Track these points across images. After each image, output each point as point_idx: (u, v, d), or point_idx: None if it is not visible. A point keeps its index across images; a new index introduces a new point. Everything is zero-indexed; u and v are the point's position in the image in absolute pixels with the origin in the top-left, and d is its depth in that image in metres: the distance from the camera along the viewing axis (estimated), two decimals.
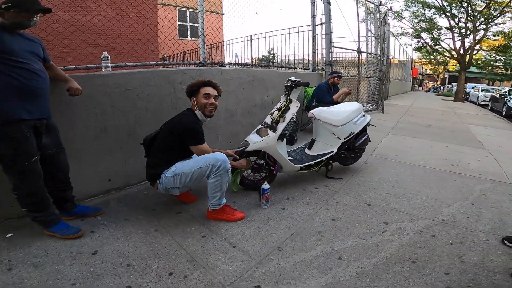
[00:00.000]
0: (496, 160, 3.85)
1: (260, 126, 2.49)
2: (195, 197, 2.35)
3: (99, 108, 2.43)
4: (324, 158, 2.64)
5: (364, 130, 3.00)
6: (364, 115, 2.99)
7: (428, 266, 1.61)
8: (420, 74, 27.21)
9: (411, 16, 15.79)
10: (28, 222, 1.99)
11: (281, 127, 2.35)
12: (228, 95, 3.46)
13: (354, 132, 2.80)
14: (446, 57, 17.27)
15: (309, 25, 5.59)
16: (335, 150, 2.69)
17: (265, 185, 2.21)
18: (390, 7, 11.37)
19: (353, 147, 2.86)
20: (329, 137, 2.71)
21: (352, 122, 2.78)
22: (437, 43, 16.14)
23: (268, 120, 2.46)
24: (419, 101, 12.91)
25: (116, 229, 1.97)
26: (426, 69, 29.63)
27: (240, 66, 4.59)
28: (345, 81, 7.18)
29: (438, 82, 29.60)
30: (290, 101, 2.45)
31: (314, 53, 5.70)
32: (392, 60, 12.76)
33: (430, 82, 30.38)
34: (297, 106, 2.43)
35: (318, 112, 2.73)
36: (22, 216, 2.07)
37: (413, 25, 15.94)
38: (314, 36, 5.70)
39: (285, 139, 2.46)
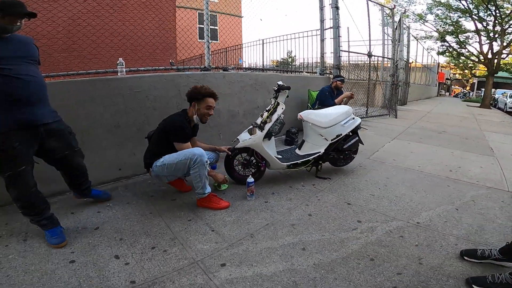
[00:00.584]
0: (501, 168, 3.71)
1: (251, 126, 2.67)
2: (189, 186, 2.56)
3: (113, 107, 2.76)
4: (311, 158, 2.76)
5: (355, 133, 3.07)
6: (353, 118, 3.06)
7: (383, 265, 1.69)
8: (447, 79, 25.74)
9: (436, 19, 15.10)
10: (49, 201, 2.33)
11: (267, 127, 2.51)
12: (231, 97, 3.67)
13: (341, 134, 2.89)
14: (473, 61, 16.31)
15: (318, 30, 5.67)
16: (322, 151, 2.80)
17: (250, 179, 2.39)
18: (405, 10, 10.98)
19: (342, 149, 2.94)
20: (317, 138, 2.82)
21: (339, 124, 2.87)
22: (463, 46, 15.30)
23: (259, 120, 2.64)
24: (441, 107, 12.36)
25: (118, 210, 2.25)
26: (454, 74, 27.99)
27: (243, 70, 4.78)
28: (356, 84, 7.13)
29: (467, 88, 27.76)
30: (278, 104, 2.61)
31: (322, 57, 5.77)
32: (412, 64, 12.31)
33: (458, 87, 28.61)
34: (282, 108, 2.58)
35: (306, 114, 2.85)
36: (46, 196, 2.43)
37: (437, 28, 15.21)
38: (322, 41, 5.78)
39: (273, 138, 2.62)
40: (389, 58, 7.77)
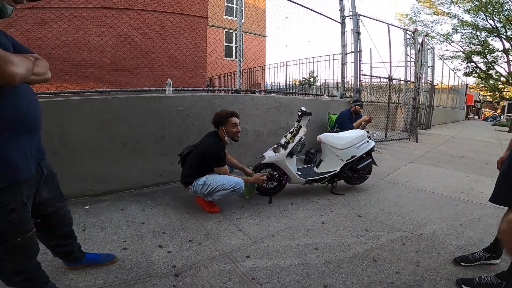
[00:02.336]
0: None
1: (276, 145, 3.09)
2: (217, 208, 2.70)
3: (161, 120, 3.32)
4: (327, 175, 3.10)
5: (368, 155, 3.38)
6: (367, 141, 3.38)
7: (384, 265, 1.98)
8: (477, 101, 24.89)
9: (463, 38, 15.01)
10: (101, 199, 2.87)
11: (290, 146, 2.92)
12: (257, 118, 4.14)
13: (356, 156, 3.22)
14: (501, 83, 15.86)
15: (339, 54, 6.07)
16: (338, 170, 3.14)
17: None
18: (427, 33, 11.15)
19: (356, 169, 3.26)
20: (333, 158, 3.17)
21: (354, 146, 3.21)
22: (491, 67, 15.00)
23: (283, 140, 3.05)
24: (466, 131, 12.13)
25: (159, 210, 2.71)
26: (484, 96, 27.01)
27: (268, 93, 5.27)
28: (376, 107, 7.37)
29: (498, 111, 26.61)
30: (301, 127, 3.02)
31: (342, 81, 6.14)
32: (437, 86, 12.29)
33: (489, 110, 27.44)
34: (304, 131, 2.98)
35: (324, 136, 3.23)
36: (98, 194, 2.97)
37: (464, 49, 15.08)
38: (343, 65, 6.15)
39: (294, 156, 3.02)
40: (409, 81, 7.98)
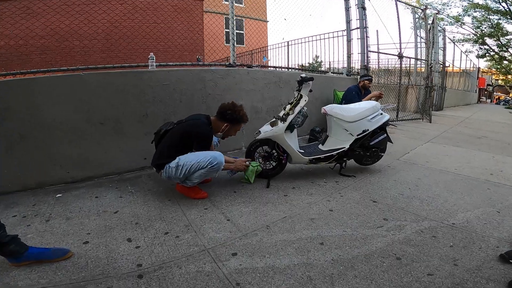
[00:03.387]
0: None
1: (273, 119, 2.55)
2: (205, 193, 2.22)
3: (143, 97, 2.83)
4: (335, 153, 2.56)
5: (382, 130, 2.81)
6: (381, 114, 2.80)
7: (412, 265, 1.46)
8: (489, 85, 23.41)
9: (474, 21, 13.89)
10: (77, 186, 2.42)
11: (289, 118, 2.37)
12: (254, 93, 3.59)
13: (368, 130, 2.65)
14: None
15: (344, 30, 5.44)
16: (347, 146, 2.58)
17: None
18: (438, 10, 10.18)
19: (368, 145, 2.70)
20: (342, 133, 2.61)
21: (366, 119, 2.64)
22: (505, 50, 13.85)
23: (281, 113, 2.50)
24: (480, 113, 11.25)
25: (138, 197, 2.23)
26: (497, 80, 25.41)
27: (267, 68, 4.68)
28: (385, 88, 6.70)
29: (511, 95, 24.99)
30: (301, 96, 2.46)
31: (349, 57, 5.51)
32: (448, 68, 11.38)
33: (501, 93, 25.82)
34: (305, 100, 2.42)
35: (330, 108, 2.66)
36: (75, 181, 2.51)
37: (475, 31, 13.97)
38: (349, 41, 5.54)
39: (295, 130, 2.47)
40: (422, 60, 7.22)
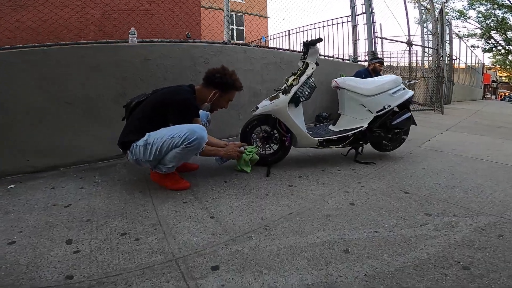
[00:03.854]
0: None
1: (274, 92, 2.01)
2: (186, 182, 1.67)
3: (120, 74, 2.32)
4: (350, 133, 2.00)
5: (405, 108, 2.25)
6: (404, 89, 2.25)
7: (489, 276, 0.92)
8: (493, 81, 22.55)
9: (478, 15, 13.26)
10: (37, 176, 1.90)
11: (294, 89, 1.83)
12: (252, 74, 3.05)
13: (390, 106, 2.09)
14: None
15: (349, 16, 4.94)
16: (365, 125, 2.03)
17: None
18: None
19: (390, 126, 2.15)
20: (358, 109, 2.06)
21: (387, 93, 2.08)
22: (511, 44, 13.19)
23: (284, 86, 1.96)
24: (490, 107, 10.59)
25: (104, 187, 1.70)
26: (500, 76, 24.52)
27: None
28: None
29: None
30: (308, 64, 1.91)
31: (355, 44, 4.99)
32: (454, 65, 10.77)
33: (504, 90, 24.86)
34: (313, 68, 1.88)
35: (343, 80, 2.11)
36: (37, 171, 2.00)
37: (481, 25, 13.35)
38: (354, 27, 5.06)
39: (301, 105, 1.92)
40: (432, 48, 6.65)
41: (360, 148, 2.16)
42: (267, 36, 6.87)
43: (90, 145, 2.21)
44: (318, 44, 1.85)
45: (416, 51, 6.92)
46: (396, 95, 2.13)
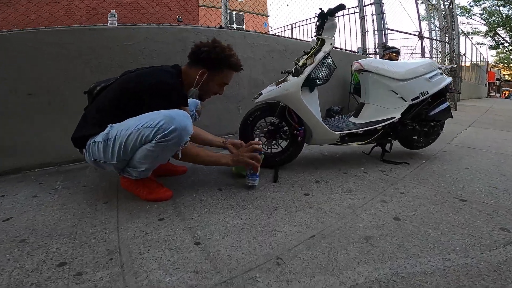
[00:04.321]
0: None
1: (283, 75, 1.60)
2: (166, 191, 1.24)
3: (95, 61, 1.92)
4: (379, 126, 1.57)
5: (443, 97, 1.83)
6: (441, 74, 1.82)
7: None
8: (497, 79, 22.05)
9: (483, 12, 12.92)
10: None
11: (308, 70, 1.41)
12: (253, 62, 2.64)
13: (427, 94, 1.67)
14: None
15: (356, 7, 4.58)
16: (398, 116, 1.60)
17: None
18: None
19: (426, 117, 1.72)
20: (388, 97, 1.63)
21: (423, 77, 1.66)
22: None
23: (293, 69, 1.54)
24: (499, 105, 10.11)
25: (62, 196, 1.28)
26: (504, 75, 24.00)
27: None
28: None
29: None
30: (323, 41, 1.49)
31: (363, 36, 4.60)
32: (461, 62, 10.37)
33: (508, 88, 24.31)
34: (331, 44, 1.46)
35: (368, 62, 1.68)
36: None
37: (486, 21, 13.00)
38: (362, 18, 4.68)
39: (316, 90, 1.49)
40: (445, 42, 6.25)
41: (389, 145, 1.73)
42: (270, 26, 6.49)
43: (59, 144, 1.79)
44: (339, 11, 1.43)
45: (424, 46, 6.54)
46: (434, 81, 1.70)
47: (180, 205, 1.17)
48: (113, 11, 2.38)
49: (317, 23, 1.52)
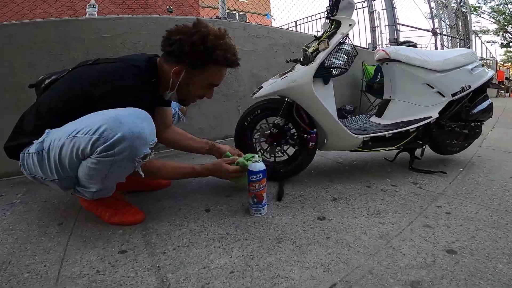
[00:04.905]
0: None
1: (287, 71, 1.29)
2: (137, 213, 0.95)
3: (68, 55, 1.68)
4: (412, 127, 1.25)
5: (484, 92, 1.50)
6: (482, 65, 1.50)
7: None
8: (506, 78, 21.43)
9: (491, 12, 12.58)
10: None
11: (322, 56, 1.11)
12: (255, 56, 2.35)
13: (469, 88, 1.35)
14: None
15: (364, 1, 4.32)
16: (436, 115, 1.28)
17: (256, 161, 0.94)
18: None
19: (466, 117, 1.40)
20: (422, 91, 1.31)
21: (464, 69, 1.34)
22: None
23: (302, 57, 1.24)
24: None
25: (14, 213, 1.02)
26: None
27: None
28: None
29: None
30: (339, 23, 1.18)
31: (373, 31, 4.33)
32: None
33: None
34: (350, 25, 1.15)
35: (394, 50, 1.36)
36: None
37: (497, 20, 12.64)
38: (371, 13, 4.42)
39: (331, 82, 1.18)
40: (458, 38, 5.91)
41: (421, 149, 1.41)
42: (273, 17, 6.24)
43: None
44: None
45: (436, 45, 6.21)
46: (476, 73, 1.38)
47: (152, 232, 0.87)
48: (92, 1, 2.15)
49: (330, 3, 1.22)
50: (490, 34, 13.62)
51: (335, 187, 1.21)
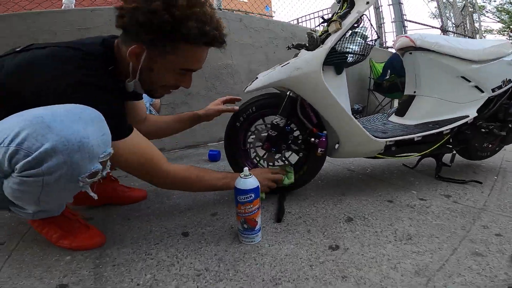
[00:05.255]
0: None
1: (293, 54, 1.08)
2: (95, 236, 0.73)
3: None
4: (446, 128, 1.02)
5: None
6: None
7: None
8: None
9: (495, 10, 12.44)
10: None
11: (333, 38, 0.88)
12: (253, 50, 2.15)
13: (511, 82, 1.12)
14: None
15: None
16: (474, 114, 1.05)
17: (246, 176, 0.71)
18: None
19: (505, 116, 1.16)
20: (455, 85, 1.07)
21: (503, 60, 1.11)
22: None
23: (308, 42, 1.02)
24: None
25: None
26: None
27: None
28: None
29: None
30: (353, 2, 0.95)
31: (379, 27, 4.20)
32: None
33: None
34: (367, 3, 0.92)
35: (420, 36, 1.13)
36: None
37: (501, 19, 12.50)
38: (377, 8, 4.29)
39: (344, 72, 0.95)
40: (467, 36, 5.69)
41: (451, 155, 1.17)
42: (273, 11, 6.05)
43: None
44: None
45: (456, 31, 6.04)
46: None
47: (107, 262, 0.65)
48: None
49: None
50: (494, 34, 13.44)
51: (349, 203, 0.98)
